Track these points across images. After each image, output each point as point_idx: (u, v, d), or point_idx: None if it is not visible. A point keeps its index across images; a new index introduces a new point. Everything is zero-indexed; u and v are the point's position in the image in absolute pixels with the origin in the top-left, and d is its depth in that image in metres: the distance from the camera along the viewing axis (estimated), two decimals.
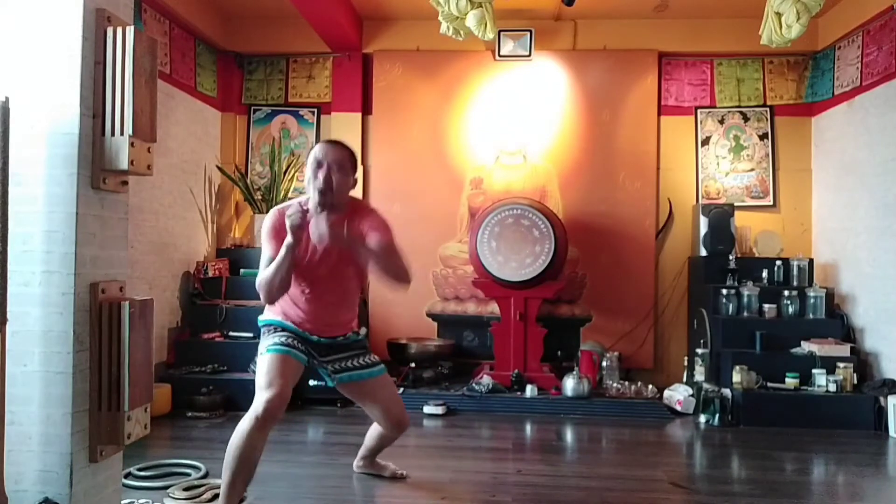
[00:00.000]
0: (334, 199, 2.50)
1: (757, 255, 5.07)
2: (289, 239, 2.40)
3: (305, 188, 2.59)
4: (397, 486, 3.06)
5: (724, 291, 4.69)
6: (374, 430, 3.02)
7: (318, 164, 2.51)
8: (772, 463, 3.49)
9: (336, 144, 2.60)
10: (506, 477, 3.16)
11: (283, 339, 2.56)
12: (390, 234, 2.56)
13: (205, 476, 3.02)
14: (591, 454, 3.75)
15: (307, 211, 2.48)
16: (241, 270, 5.01)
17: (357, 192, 5.42)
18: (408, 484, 3.08)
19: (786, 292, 4.66)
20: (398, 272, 2.51)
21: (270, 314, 2.66)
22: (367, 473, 3.12)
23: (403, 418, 2.88)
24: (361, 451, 3.11)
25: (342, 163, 2.53)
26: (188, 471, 3.08)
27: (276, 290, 2.49)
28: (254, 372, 2.64)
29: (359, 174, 2.71)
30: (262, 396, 2.40)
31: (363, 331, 2.86)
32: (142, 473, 3.02)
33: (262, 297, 2.53)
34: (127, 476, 2.93)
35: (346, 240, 2.44)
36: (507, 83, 5.38)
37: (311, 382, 4.43)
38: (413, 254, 5.29)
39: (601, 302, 5.25)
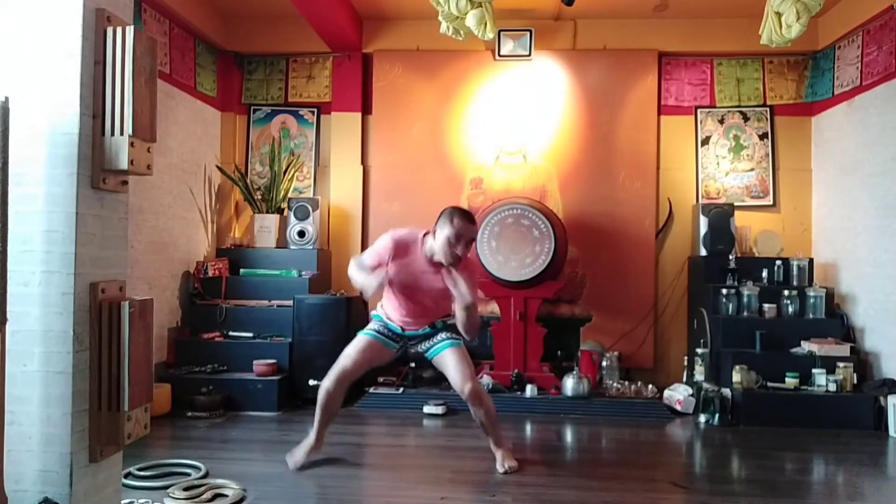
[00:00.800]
0: (455, 264, 3.09)
1: (757, 254, 5.07)
2: (369, 285, 2.99)
3: (435, 240, 3.09)
4: (397, 486, 3.06)
5: (724, 291, 4.69)
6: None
7: (457, 239, 3.04)
8: (772, 463, 3.49)
9: (472, 222, 3.14)
10: (505, 477, 3.15)
11: (377, 327, 3.29)
12: (475, 292, 3.14)
13: (205, 476, 3.02)
14: (590, 454, 3.75)
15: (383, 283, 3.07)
16: (241, 270, 5.02)
17: (357, 192, 5.47)
18: (408, 484, 3.09)
19: (786, 292, 4.66)
20: (475, 329, 3.17)
21: (380, 311, 3.37)
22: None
23: (464, 387, 3.14)
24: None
25: (472, 238, 3.15)
26: (188, 471, 3.08)
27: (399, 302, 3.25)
28: None
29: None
30: (336, 365, 3.17)
31: (449, 320, 3.30)
32: (142, 473, 3.02)
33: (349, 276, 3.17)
34: (127, 476, 2.93)
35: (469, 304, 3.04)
36: (507, 83, 5.38)
37: (311, 382, 4.43)
38: None
39: (601, 302, 5.25)
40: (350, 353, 3.19)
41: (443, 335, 3.28)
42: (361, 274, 3.05)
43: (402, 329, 3.28)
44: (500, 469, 3.17)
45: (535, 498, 2.89)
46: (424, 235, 3.17)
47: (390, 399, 4.57)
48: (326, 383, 3.15)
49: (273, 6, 5.13)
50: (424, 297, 3.20)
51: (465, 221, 3.08)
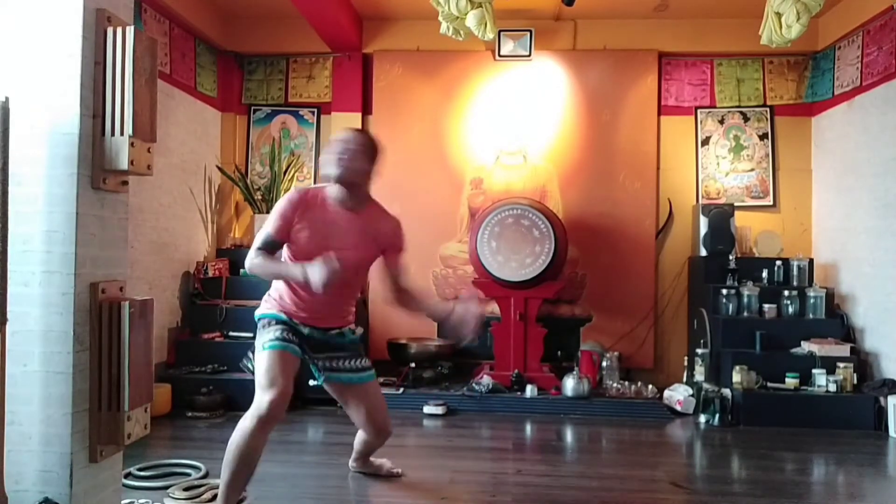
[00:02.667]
0: (349, 176, 2.54)
1: (757, 255, 5.07)
2: (302, 275, 2.34)
3: (326, 172, 2.58)
4: (397, 487, 3.06)
5: (724, 291, 4.69)
6: (359, 435, 3.03)
7: (334, 144, 2.58)
8: (772, 463, 3.49)
9: (360, 131, 2.78)
10: (506, 477, 3.16)
11: (279, 333, 2.52)
12: (402, 252, 2.73)
13: (205, 476, 3.02)
14: (591, 454, 3.75)
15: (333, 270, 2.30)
16: (242, 270, 5.01)
17: None
18: (408, 484, 3.08)
19: (786, 292, 4.66)
20: (417, 306, 2.74)
21: (267, 306, 2.65)
22: (363, 472, 3.12)
23: (386, 427, 2.87)
24: (354, 453, 3.11)
25: (364, 147, 2.59)
26: (188, 471, 3.08)
27: (260, 276, 2.53)
28: (248, 368, 2.63)
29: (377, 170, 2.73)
30: (265, 397, 2.39)
31: (359, 331, 2.85)
32: (142, 473, 3.02)
33: (249, 268, 2.55)
34: (127, 476, 2.93)
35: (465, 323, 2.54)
36: (507, 83, 5.38)
37: (312, 382, 4.43)
38: (413, 254, 5.31)
39: (601, 302, 5.25)
40: (277, 378, 2.41)
41: (361, 361, 2.74)
42: (278, 264, 2.47)
43: (309, 325, 2.60)
44: (394, 471, 3.09)
45: (535, 498, 2.89)
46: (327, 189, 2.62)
47: (390, 399, 4.53)
48: (254, 426, 2.33)
49: (273, 6, 5.13)
50: (353, 264, 2.55)
51: (350, 130, 2.67)
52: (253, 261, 2.51)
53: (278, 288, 2.63)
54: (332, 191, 2.60)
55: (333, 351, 2.70)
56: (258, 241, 2.53)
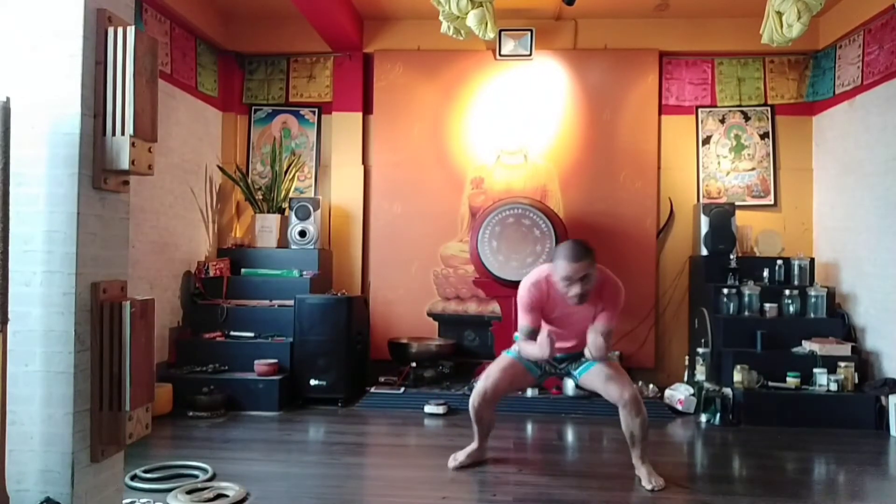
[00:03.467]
0: (587, 299, 3.04)
1: (758, 254, 5.07)
2: (541, 352, 2.96)
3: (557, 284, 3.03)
4: (397, 487, 3.06)
5: (725, 291, 4.69)
6: (621, 421, 3.16)
7: (568, 280, 2.97)
8: (773, 462, 3.49)
9: (577, 260, 2.97)
10: (506, 477, 3.16)
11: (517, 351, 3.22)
12: (613, 319, 3.17)
13: (212, 478, 3.01)
14: (591, 454, 3.75)
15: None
16: (243, 270, 5.02)
17: (358, 192, 5.47)
18: (408, 484, 3.09)
19: (787, 291, 4.66)
20: (600, 351, 3.09)
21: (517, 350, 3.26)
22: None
23: (623, 394, 3.06)
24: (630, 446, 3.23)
25: (587, 273, 2.99)
26: (196, 472, 3.07)
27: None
28: None
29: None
30: (479, 384, 3.22)
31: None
32: (148, 476, 3.00)
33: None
34: (133, 478, 2.93)
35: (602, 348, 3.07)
36: (508, 83, 5.38)
37: (312, 382, 4.44)
38: (414, 253, 5.34)
39: None
40: (492, 373, 3.20)
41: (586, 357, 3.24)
42: (532, 346, 3.05)
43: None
44: (647, 486, 2.99)
45: (535, 498, 2.89)
46: (543, 273, 3.14)
47: (391, 398, 4.57)
48: (474, 401, 3.20)
49: (274, 6, 5.13)
50: (575, 325, 3.17)
51: (568, 262, 2.97)
52: (520, 346, 3.18)
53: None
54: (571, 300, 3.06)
55: (574, 360, 3.28)
56: (522, 327, 3.16)
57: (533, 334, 3.09)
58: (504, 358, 3.25)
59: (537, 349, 2.98)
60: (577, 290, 2.98)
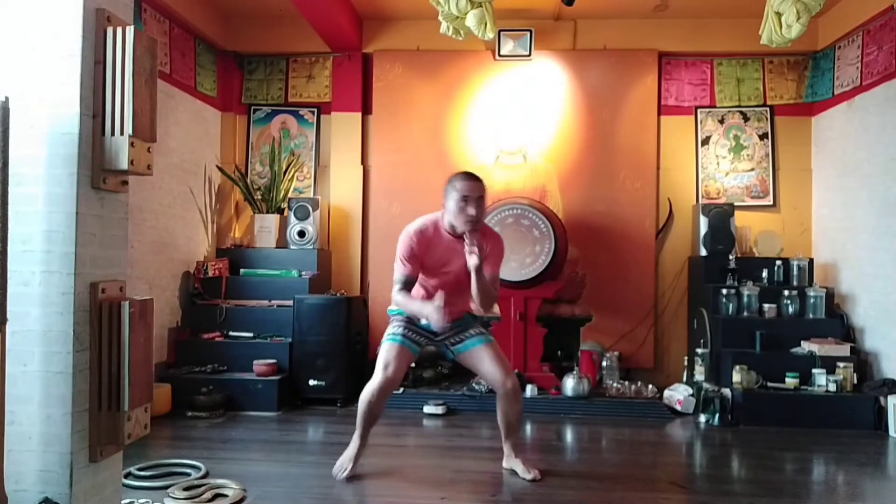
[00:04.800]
0: (480, 226, 3.00)
1: (757, 254, 5.07)
2: (426, 312, 2.88)
3: (448, 212, 3.00)
4: (397, 486, 3.06)
5: (724, 291, 4.69)
6: (497, 409, 3.17)
7: (465, 199, 2.94)
8: (772, 463, 3.49)
9: (475, 179, 3.01)
10: (506, 477, 3.15)
11: (401, 330, 3.08)
12: (497, 269, 3.10)
13: (205, 476, 3.02)
14: (591, 454, 3.75)
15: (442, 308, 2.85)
16: (242, 270, 5.02)
17: (357, 192, 5.47)
18: (408, 484, 3.08)
19: (786, 292, 4.66)
20: (488, 298, 3.00)
21: (398, 306, 3.12)
22: (509, 469, 3.18)
23: (506, 382, 3.04)
24: (503, 437, 3.22)
25: (482, 195, 3.00)
26: (188, 470, 3.08)
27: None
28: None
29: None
30: (377, 377, 3.01)
31: (476, 310, 3.22)
32: (142, 473, 3.02)
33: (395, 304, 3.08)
34: (127, 476, 2.93)
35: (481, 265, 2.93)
36: (507, 83, 5.38)
37: (312, 382, 4.44)
38: None
39: (601, 302, 5.25)
40: (390, 362, 3.00)
41: (472, 330, 3.13)
42: (413, 302, 2.97)
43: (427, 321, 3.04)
44: (528, 477, 3.06)
45: (535, 498, 2.89)
46: (442, 216, 3.05)
47: (391, 399, 4.55)
48: (372, 396, 3.01)
49: (273, 6, 5.13)
50: (459, 278, 3.04)
51: (467, 180, 2.97)
52: (397, 300, 3.04)
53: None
54: (451, 225, 3.01)
55: (455, 334, 3.13)
56: (398, 277, 3.01)
57: (409, 285, 3.00)
58: (391, 346, 3.04)
59: (418, 306, 2.92)
60: (473, 211, 2.92)
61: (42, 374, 1.91)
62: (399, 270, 3.02)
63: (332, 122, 5.52)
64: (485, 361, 3.07)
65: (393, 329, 3.11)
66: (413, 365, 4.73)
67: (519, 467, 3.13)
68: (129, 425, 1.97)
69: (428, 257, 3.03)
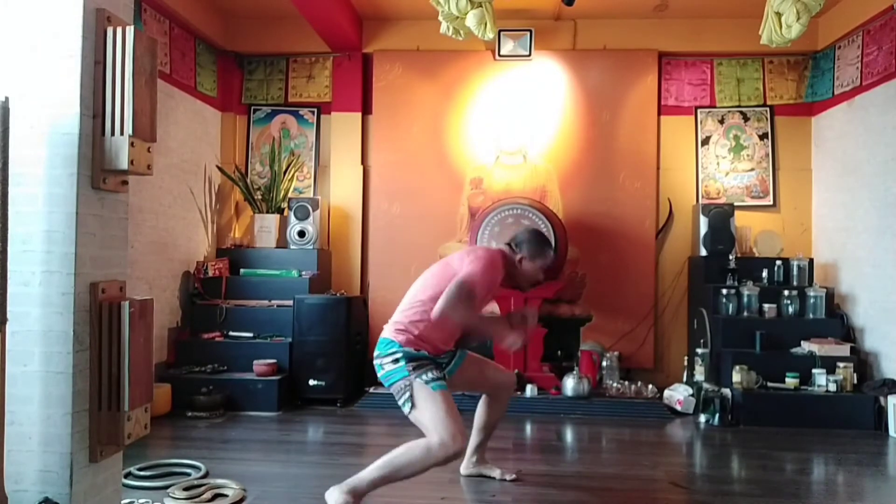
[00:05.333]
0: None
1: (757, 254, 5.07)
2: (485, 335, 2.92)
3: (520, 271, 2.90)
4: (396, 487, 3.05)
5: (724, 291, 4.69)
6: (483, 413, 3.09)
7: (542, 269, 2.90)
8: (772, 463, 3.49)
9: (543, 240, 2.95)
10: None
11: (437, 373, 2.67)
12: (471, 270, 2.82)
13: (205, 476, 3.02)
14: (591, 454, 3.75)
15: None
16: (242, 270, 5.02)
17: (357, 192, 5.47)
18: (407, 484, 3.08)
19: (786, 292, 4.66)
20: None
21: (412, 346, 2.69)
22: (476, 475, 3.13)
23: (510, 377, 3.10)
24: (470, 448, 3.08)
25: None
26: (188, 471, 3.08)
27: (446, 322, 2.68)
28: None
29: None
30: (455, 441, 2.54)
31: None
32: (142, 473, 3.02)
33: (449, 316, 2.65)
34: (127, 476, 2.93)
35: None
36: (507, 83, 5.38)
37: (312, 382, 4.44)
38: (413, 254, 5.34)
39: (601, 302, 5.25)
40: (451, 416, 2.59)
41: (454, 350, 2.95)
42: (482, 321, 2.85)
43: (440, 354, 2.82)
44: (509, 477, 3.07)
45: (535, 498, 2.89)
46: (503, 257, 2.87)
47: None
48: (433, 462, 2.61)
49: (273, 6, 5.13)
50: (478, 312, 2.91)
51: (551, 256, 3.00)
52: (462, 315, 2.68)
53: (419, 327, 2.71)
54: (512, 276, 2.90)
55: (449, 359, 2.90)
56: (468, 295, 2.66)
57: (472, 308, 2.74)
58: (439, 394, 2.62)
59: (512, 335, 2.72)
60: (541, 279, 2.99)
61: (42, 374, 1.92)
62: (476, 291, 2.71)
63: (332, 122, 5.52)
64: (485, 367, 3.04)
65: (428, 375, 2.65)
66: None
67: (496, 472, 3.11)
68: (129, 425, 1.98)
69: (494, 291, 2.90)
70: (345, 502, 2.57)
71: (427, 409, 2.60)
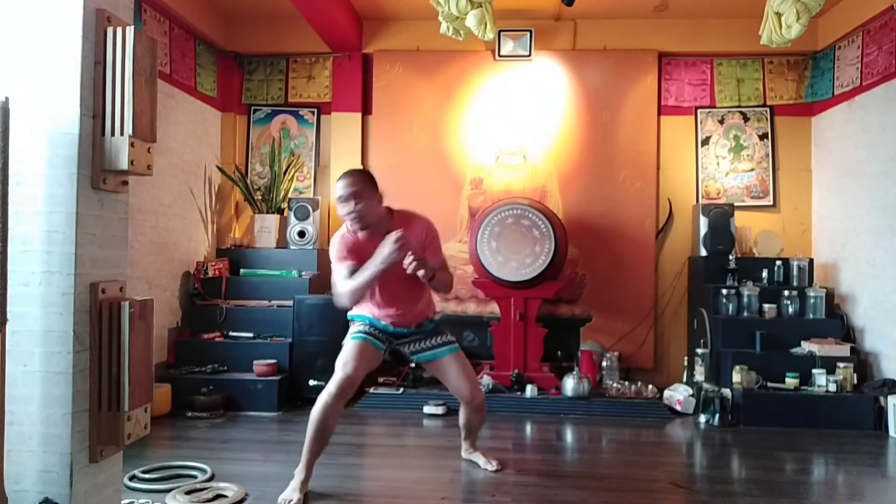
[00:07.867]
0: (367, 221, 2.86)
1: (757, 255, 5.07)
2: (381, 267, 2.73)
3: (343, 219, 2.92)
4: (397, 486, 3.06)
5: (724, 291, 4.69)
6: (460, 412, 3.24)
7: (340, 199, 2.85)
8: (772, 463, 3.49)
9: (349, 176, 2.89)
10: (506, 477, 3.16)
11: (364, 328, 2.99)
12: (441, 254, 3.01)
13: (210, 479, 3.01)
14: (591, 454, 3.75)
15: (401, 245, 2.71)
16: (242, 270, 5.02)
17: None
18: (408, 484, 3.08)
19: (786, 292, 4.66)
20: (444, 286, 2.97)
21: (358, 310, 3.05)
22: (468, 461, 3.31)
23: (472, 395, 3.07)
24: (462, 438, 3.35)
25: (360, 191, 2.84)
26: (194, 473, 3.07)
27: (355, 301, 2.90)
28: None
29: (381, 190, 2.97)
30: (336, 375, 2.83)
31: (438, 317, 3.19)
32: (146, 476, 3.01)
33: (343, 303, 2.87)
34: (132, 479, 2.93)
35: (414, 263, 2.73)
36: (507, 83, 5.38)
37: (311, 382, 4.44)
38: None
39: (601, 302, 5.25)
40: (348, 361, 2.86)
41: (438, 339, 3.06)
42: (365, 270, 2.76)
43: (391, 325, 3.02)
44: (491, 468, 3.19)
45: (535, 498, 2.89)
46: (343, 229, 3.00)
47: (390, 399, 4.57)
48: (327, 399, 2.79)
49: (273, 6, 5.13)
50: (401, 276, 2.83)
51: (339, 180, 2.87)
52: (343, 289, 2.82)
53: (363, 304, 3.01)
54: (361, 233, 2.93)
55: (414, 336, 3.07)
56: (340, 279, 2.85)
57: (355, 271, 2.82)
58: (352, 343, 2.91)
59: (378, 257, 2.71)
60: (351, 208, 2.80)
61: (42, 374, 1.92)
62: (341, 267, 2.86)
63: (332, 122, 5.52)
64: (451, 374, 3.04)
65: (354, 329, 3.01)
66: (412, 365, 4.76)
67: (480, 460, 3.25)
68: (129, 425, 1.98)
69: (359, 260, 2.86)
70: (297, 484, 2.83)
71: (341, 352, 2.93)
